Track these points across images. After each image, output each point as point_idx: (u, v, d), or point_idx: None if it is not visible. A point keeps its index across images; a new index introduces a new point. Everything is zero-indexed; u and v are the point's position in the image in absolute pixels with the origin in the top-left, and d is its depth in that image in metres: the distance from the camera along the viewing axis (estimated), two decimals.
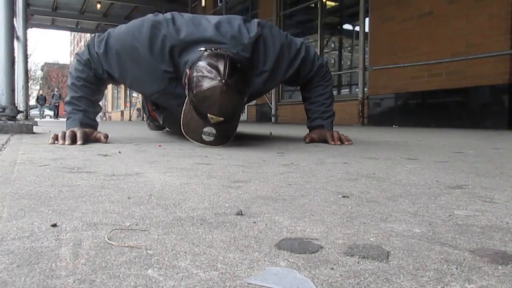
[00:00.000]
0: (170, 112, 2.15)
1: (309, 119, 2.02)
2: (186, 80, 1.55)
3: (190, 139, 1.61)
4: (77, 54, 1.84)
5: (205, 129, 1.54)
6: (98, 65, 1.76)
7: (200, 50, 1.57)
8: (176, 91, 1.71)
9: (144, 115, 3.28)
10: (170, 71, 1.69)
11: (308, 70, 1.95)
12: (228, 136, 1.63)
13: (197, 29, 1.69)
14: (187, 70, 1.56)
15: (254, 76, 1.76)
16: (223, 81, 1.41)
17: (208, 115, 1.48)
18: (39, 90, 23.58)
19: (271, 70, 1.80)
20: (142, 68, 1.70)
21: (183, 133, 1.62)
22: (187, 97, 1.57)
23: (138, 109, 15.78)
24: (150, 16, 1.73)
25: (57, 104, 19.27)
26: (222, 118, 1.49)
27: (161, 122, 2.54)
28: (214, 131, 1.54)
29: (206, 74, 1.45)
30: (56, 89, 21.84)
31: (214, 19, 1.77)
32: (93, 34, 1.90)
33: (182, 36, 1.65)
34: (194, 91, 1.47)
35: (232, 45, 1.66)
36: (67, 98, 1.83)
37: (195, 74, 1.49)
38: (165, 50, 1.65)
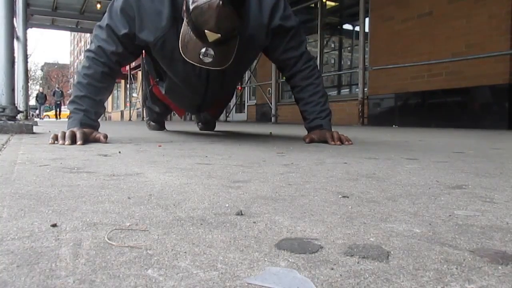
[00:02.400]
0: (173, 81, 2.19)
1: (307, 120, 1.99)
2: (184, 6, 1.59)
3: (189, 61, 1.62)
4: (86, 51, 1.87)
5: (203, 50, 1.55)
6: (110, 41, 1.79)
7: None
8: (178, 33, 1.73)
9: (144, 115, 3.28)
10: (171, 11, 1.74)
11: (293, 47, 1.96)
12: (227, 58, 1.63)
13: None
14: None
15: (250, 18, 1.79)
16: None
17: (206, 31, 1.50)
18: (39, 89, 23.35)
19: (267, 22, 1.85)
20: (145, 16, 1.76)
21: (182, 54, 1.64)
22: (184, 19, 1.60)
23: (138, 109, 15.76)
24: None
25: (58, 102, 18.49)
26: (219, 35, 1.51)
27: (164, 93, 2.54)
28: (212, 52, 1.55)
29: None
30: (57, 86, 21.61)
31: None
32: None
33: None
34: (191, 7, 1.50)
35: None
36: (71, 97, 1.84)
37: None
38: None
